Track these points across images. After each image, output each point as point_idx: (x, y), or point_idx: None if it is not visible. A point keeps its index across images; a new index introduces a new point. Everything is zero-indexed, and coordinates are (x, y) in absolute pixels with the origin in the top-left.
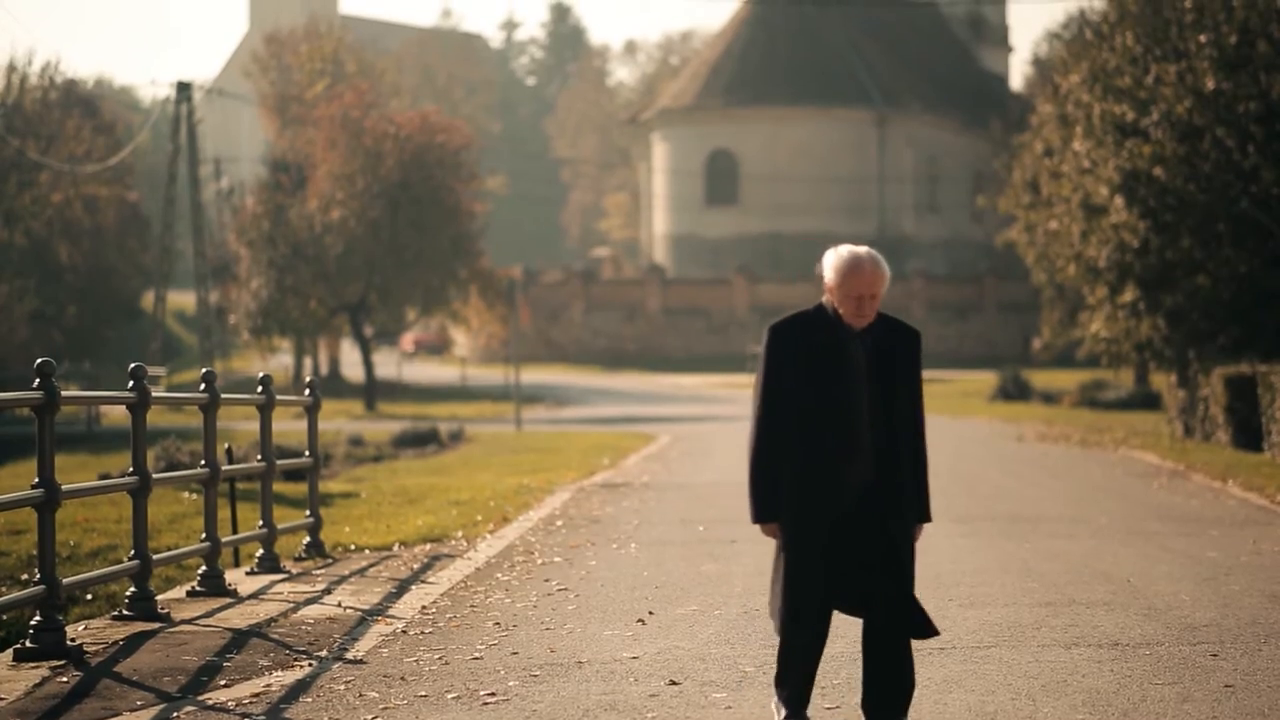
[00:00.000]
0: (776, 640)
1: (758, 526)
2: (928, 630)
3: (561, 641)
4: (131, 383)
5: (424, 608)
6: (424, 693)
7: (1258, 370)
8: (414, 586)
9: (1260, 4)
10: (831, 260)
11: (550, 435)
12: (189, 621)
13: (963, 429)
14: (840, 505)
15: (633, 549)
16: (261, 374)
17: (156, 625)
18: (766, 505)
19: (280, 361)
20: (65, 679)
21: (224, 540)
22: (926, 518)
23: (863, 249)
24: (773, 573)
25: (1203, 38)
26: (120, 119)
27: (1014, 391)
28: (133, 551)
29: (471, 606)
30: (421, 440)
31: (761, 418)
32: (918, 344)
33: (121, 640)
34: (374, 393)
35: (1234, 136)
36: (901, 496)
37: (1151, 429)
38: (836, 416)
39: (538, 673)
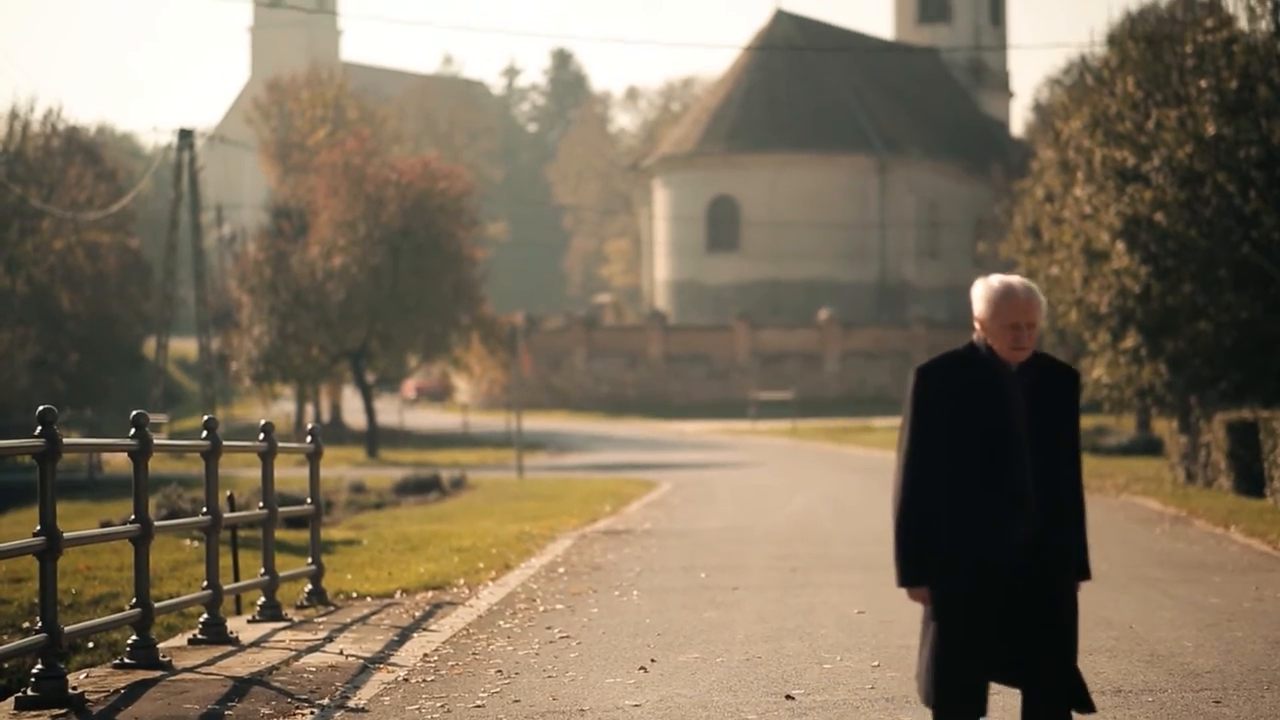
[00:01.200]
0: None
1: (762, 572)
2: (1089, 704)
3: (563, 689)
4: (133, 430)
5: (426, 655)
6: None
7: (1260, 416)
8: (416, 634)
9: (1260, 49)
10: (981, 291)
11: (552, 482)
12: (191, 670)
13: None
14: (999, 564)
15: (635, 596)
16: (263, 421)
17: (158, 674)
18: (915, 567)
19: (282, 408)
20: None
21: (226, 588)
22: (1086, 574)
23: (1013, 277)
24: (920, 640)
25: (1203, 83)
26: (122, 166)
27: None
28: (134, 599)
29: (473, 654)
30: (423, 487)
31: (908, 469)
32: (1077, 384)
33: (123, 689)
34: (376, 439)
35: (1235, 182)
36: (1065, 553)
37: (1153, 475)
38: (993, 466)
39: None
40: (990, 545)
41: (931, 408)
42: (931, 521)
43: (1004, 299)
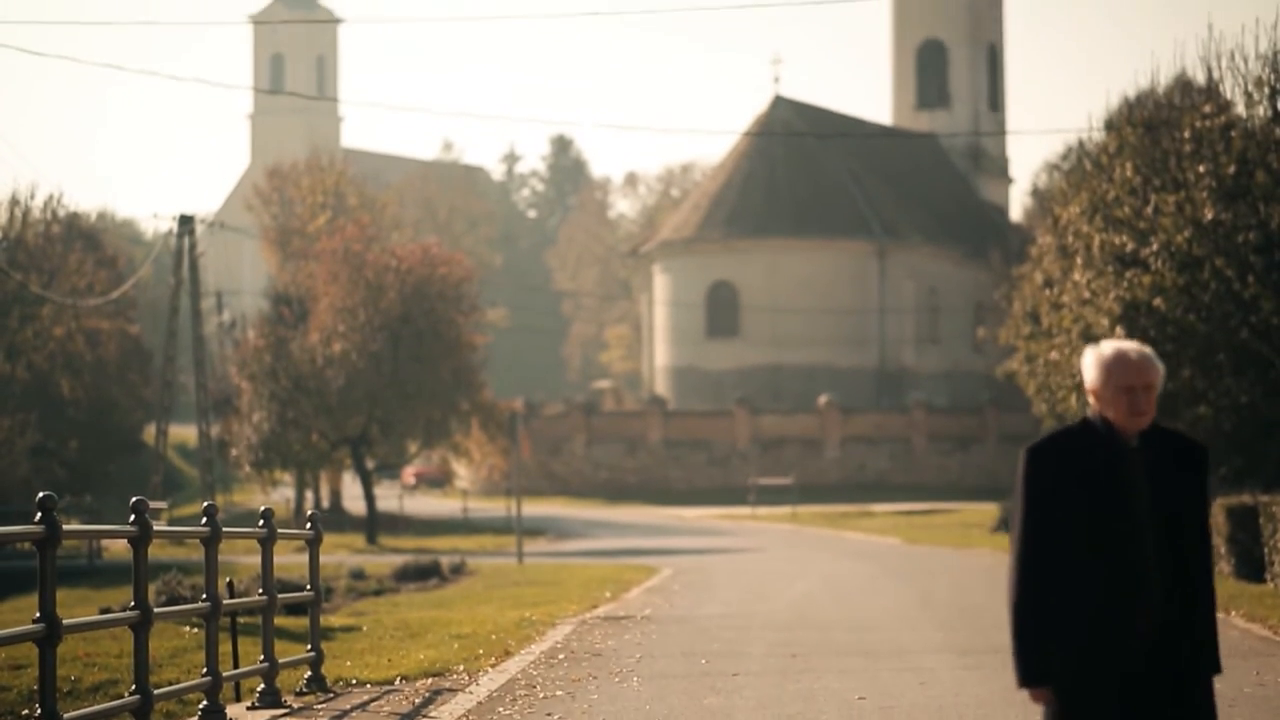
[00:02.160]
0: None
1: (763, 658)
2: None
3: None
4: (133, 516)
5: None
6: None
7: (1260, 501)
8: None
9: (1258, 135)
10: (1091, 358)
11: (552, 568)
12: None
13: (965, 560)
14: (1128, 659)
15: (635, 683)
16: (263, 507)
17: None
18: (1036, 665)
19: (282, 494)
20: None
21: (225, 675)
22: (1217, 668)
23: (1126, 342)
24: None
25: (1201, 168)
26: (122, 252)
27: None
28: (134, 686)
29: None
30: (423, 573)
31: (1024, 559)
32: (1205, 460)
33: None
34: (375, 526)
35: (1233, 267)
36: (1195, 645)
37: None
38: (1114, 551)
39: None
40: (1116, 639)
41: (1044, 490)
42: (1050, 614)
43: (1116, 361)
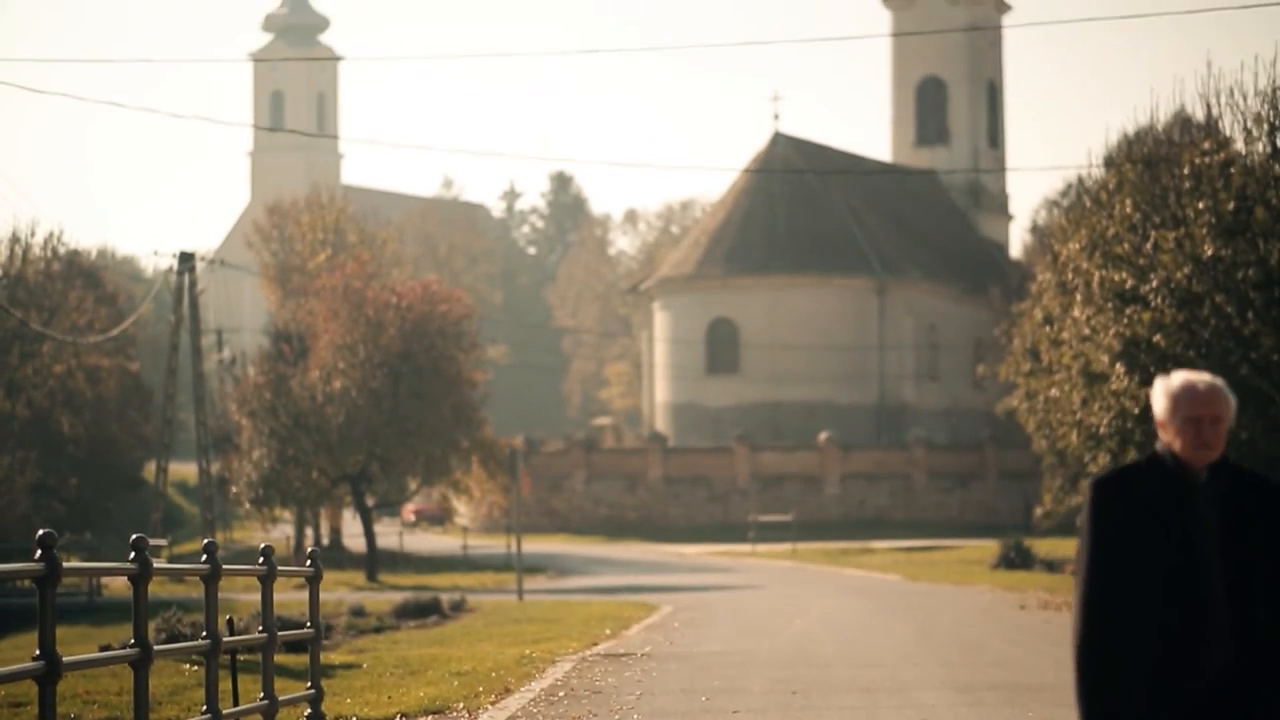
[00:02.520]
0: None
1: (763, 695)
2: None
3: None
4: (133, 554)
5: None
6: None
7: None
8: None
9: (1257, 171)
10: (1159, 389)
11: (552, 605)
12: None
13: (965, 597)
14: (1195, 702)
15: None
16: (263, 545)
17: None
18: (1102, 706)
19: (282, 531)
20: None
21: (225, 712)
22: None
23: (1196, 372)
24: None
25: (1201, 204)
26: (123, 290)
27: (1016, 560)
28: None
29: None
30: (423, 611)
31: (1088, 597)
32: (1278, 496)
33: None
34: (375, 563)
35: (1233, 303)
36: (1266, 691)
37: None
38: (1182, 590)
39: None
40: (1179, 678)
41: (1109, 526)
42: (1115, 655)
43: (1183, 392)
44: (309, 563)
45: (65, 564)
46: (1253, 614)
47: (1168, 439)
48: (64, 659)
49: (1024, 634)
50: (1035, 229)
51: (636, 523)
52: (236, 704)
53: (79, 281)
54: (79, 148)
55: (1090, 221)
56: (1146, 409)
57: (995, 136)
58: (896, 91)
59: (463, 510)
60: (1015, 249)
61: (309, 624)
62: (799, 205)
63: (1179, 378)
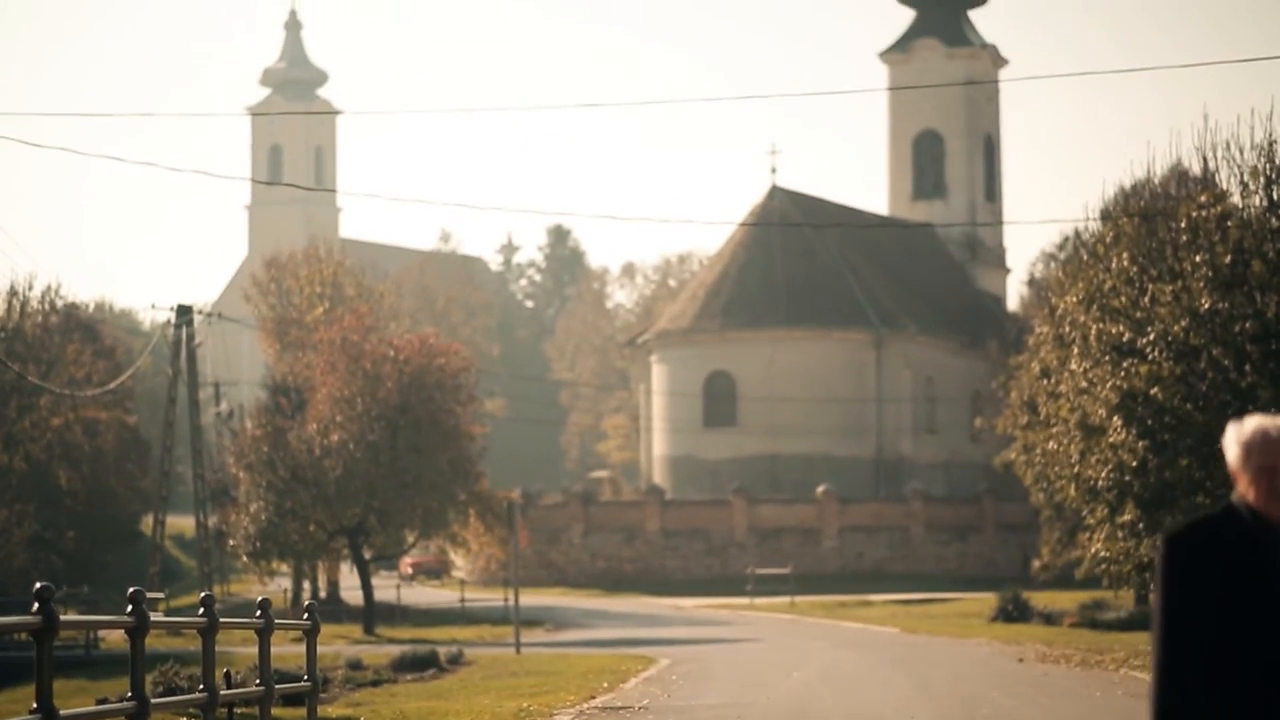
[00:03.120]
0: None
1: None
2: None
3: None
4: (130, 607)
5: None
6: None
7: None
8: None
9: (1254, 224)
10: (1231, 435)
11: (550, 658)
12: None
13: (963, 649)
14: None
15: None
16: (260, 598)
17: None
18: None
19: (279, 585)
20: None
21: None
22: None
23: (1270, 418)
24: None
25: (1198, 257)
26: (120, 343)
27: (1014, 612)
28: None
29: None
30: (421, 664)
31: (1163, 654)
32: None
33: None
34: (373, 616)
35: (1230, 356)
36: None
37: None
38: (1258, 644)
39: None
40: None
41: (1183, 581)
42: (1196, 711)
43: (1255, 439)
44: (306, 616)
45: (63, 617)
46: None
47: (1242, 488)
48: (61, 712)
49: (1022, 686)
50: (1032, 282)
51: (634, 575)
52: None
53: (77, 335)
54: (77, 201)
55: (1087, 275)
56: (1144, 462)
57: (992, 190)
58: (893, 145)
59: (460, 563)
60: (1012, 302)
61: (306, 677)
62: (796, 258)
63: (1251, 424)
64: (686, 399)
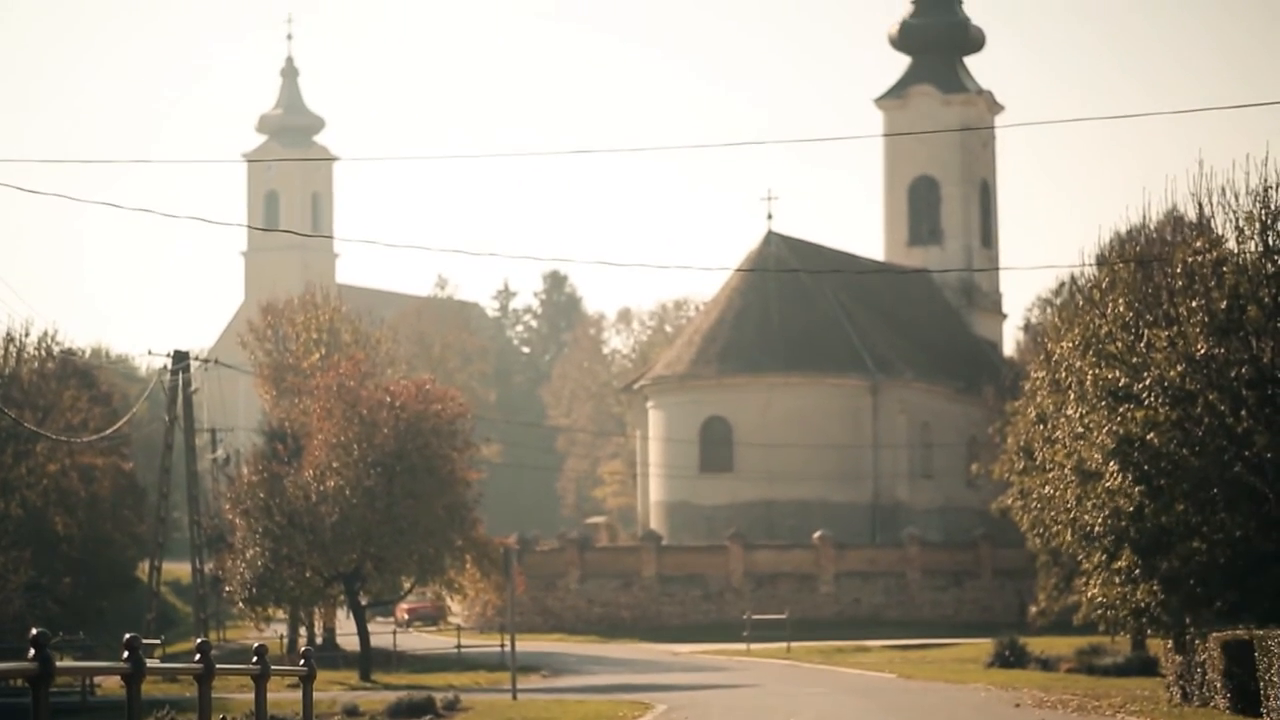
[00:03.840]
0: None
1: None
2: None
3: None
4: (126, 653)
5: None
6: None
7: (1255, 635)
8: None
9: (1250, 270)
10: None
11: (546, 704)
12: None
13: (960, 696)
14: None
15: None
16: (257, 644)
17: None
18: None
19: (275, 631)
20: None
21: None
22: None
23: None
24: None
25: (1193, 303)
26: (117, 389)
27: (1011, 657)
28: None
29: None
30: (417, 710)
31: None
32: None
33: None
34: (369, 662)
35: (1226, 401)
36: None
37: (1149, 694)
38: None
39: None
40: None
41: None
42: None
43: None
44: (302, 662)
45: (59, 663)
46: None
47: None
48: None
49: None
50: (1028, 327)
51: (631, 621)
52: None
53: (73, 381)
54: (73, 247)
55: (1083, 320)
56: (1141, 507)
57: (988, 235)
58: (889, 191)
59: (456, 609)
60: (1008, 347)
61: None
62: (792, 304)
63: None
64: (683, 445)
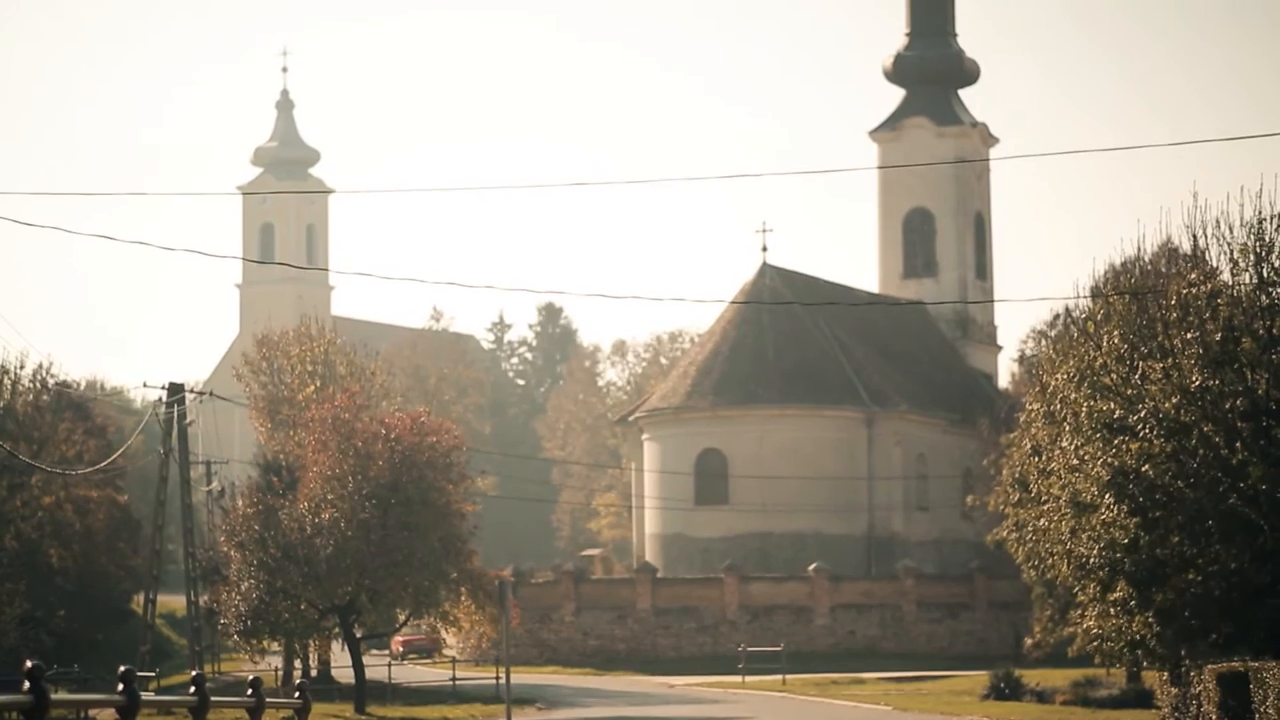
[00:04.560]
0: None
1: None
2: None
3: None
4: (121, 685)
5: None
6: None
7: (1250, 667)
8: None
9: (1244, 301)
10: None
11: None
12: None
13: None
14: None
15: None
16: (251, 676)
17: None
18: None
19: (270, 663)
20: None
21: None
22: None
23: None
24: None
25: (1188, 335)
26: (112, 421)
27: (1006, 690)
28: None
29: None
30: None
31: None
32: None
33: None
34: (364, 695)
35: (1221, 433)
36: None
37: None
38: None
39: None
40: None
41: None
42: None
43: None
44: (297, 694)
45: (53, 696)
46: None
47: None
48: None
49: None
50: (1023, 359)
51: (626, 654)
52: None
53: (68, 413)
54: (68, 280)
55: (1078, 352)
56: (1136, 539)
57: (982, 268)
58: (884, 223)
59: (452, 641)
60: (1003, 379)
61: None
62: (787, 336)
63: None
64: (678, 477)
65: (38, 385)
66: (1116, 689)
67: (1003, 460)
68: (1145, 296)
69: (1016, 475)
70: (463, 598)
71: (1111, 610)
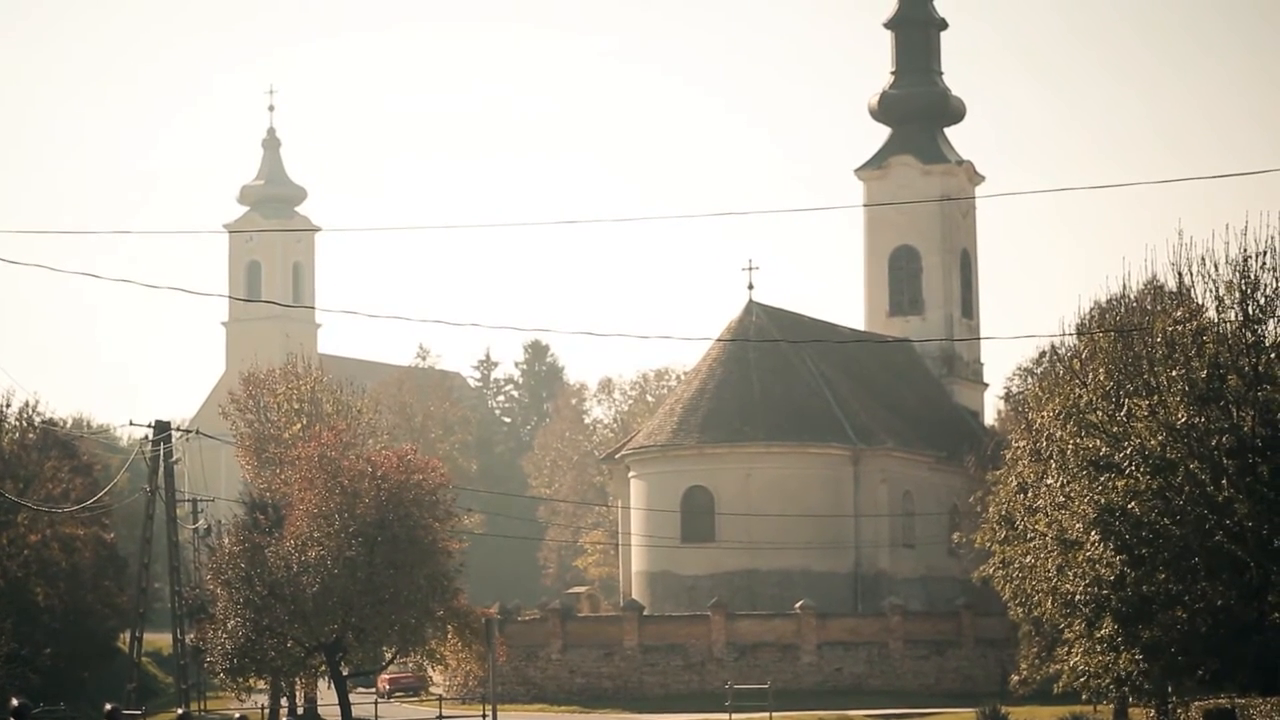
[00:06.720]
0: None
1: None
2: None
3: None
4: None
5: None
6: None
7: (1237, 704)
8: None
9: (1230, 339)
10: None
11: None
12: None
13: None
14: None
15: None
16: (238, 714)
17: None
18: None
19: (256, 701)
20: None
21: None
22: None
23: None
24: None
25: (1174, 372)
26: (98, 459)
27: None
28: None
29: None
30: None
31: None
32: None
33: None
34: None
35: (1207, 470)
36: None
37: None
38: None
39: None
40: None
41: None
42: None
43: None
44: None
45: None
46: None
47: None
48: None
49: None
50: (1009, 396)
51: (613, 691)
52: None
53: (54, 451)
54: (54, 318)
55: (1064, 389)
56: (1122, 576)
57: (969, 305)
58: (870, 260)
59: (438, 679)
60: (989, 416)
61: None
62: (773, 374)
63: None
64: (664, 514)
65: (24, 423)
66: None
67: (989, 497)
68: (1131, 334)
69: (1003, 512)
70: (449, 635)
71: (1098, 647)
